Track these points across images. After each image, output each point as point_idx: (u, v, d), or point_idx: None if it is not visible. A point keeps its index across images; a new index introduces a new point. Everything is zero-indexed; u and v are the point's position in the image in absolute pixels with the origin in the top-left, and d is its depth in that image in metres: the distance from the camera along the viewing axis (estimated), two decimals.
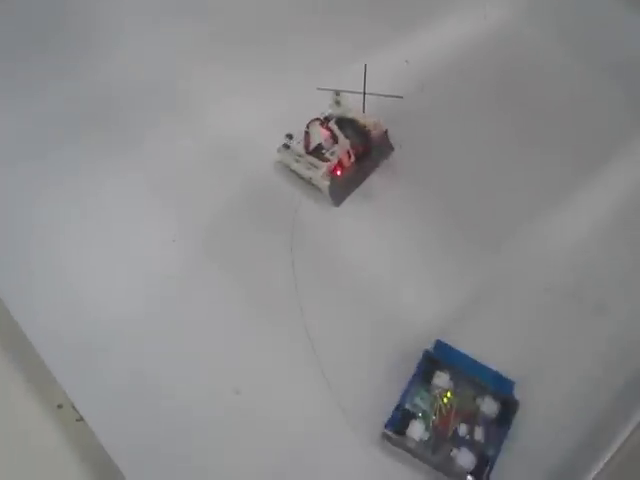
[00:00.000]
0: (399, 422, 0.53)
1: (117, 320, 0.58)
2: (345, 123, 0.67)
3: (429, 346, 0.56)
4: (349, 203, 0.66)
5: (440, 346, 0.57)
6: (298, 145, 0.66)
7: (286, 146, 0.67)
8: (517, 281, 0.62)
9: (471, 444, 0.53)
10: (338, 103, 0.68)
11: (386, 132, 0.68)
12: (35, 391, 0.55)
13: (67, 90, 0.71)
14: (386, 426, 0.53)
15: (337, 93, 0.67)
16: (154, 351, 0.57)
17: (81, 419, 0.53)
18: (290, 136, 0.67)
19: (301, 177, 0.66)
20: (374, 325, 0.59)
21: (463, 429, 0.53)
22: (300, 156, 0.66)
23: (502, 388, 0.55)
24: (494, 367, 0.56)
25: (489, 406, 0.54)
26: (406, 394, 0.54)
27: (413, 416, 0.54)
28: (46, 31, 0.77)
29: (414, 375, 0.55)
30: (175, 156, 0.67)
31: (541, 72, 0.76)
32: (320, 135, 0.66)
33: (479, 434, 0.53)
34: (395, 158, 0.69)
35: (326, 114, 0.68)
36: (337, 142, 0.65)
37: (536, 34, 0.80)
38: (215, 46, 0.75)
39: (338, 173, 0.65)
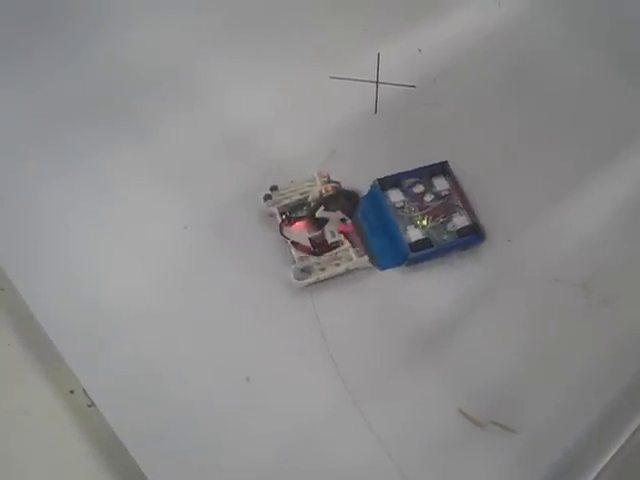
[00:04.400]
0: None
1: (129, 306, 0.58)
2: (315, 204, 0.61)
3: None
4: None
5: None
6: (301, 258, 0.60)
7: (297, 265, 0.59)
8: (526, 271, 0.62)
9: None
10: (276, 197, 0.62)
11: (328, 176, 0.63)
12: (47, 377, 0.56)
13: (82, 73, 0.71)
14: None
15: (272, 189, 0.62)
16: (165, 338, 0.57)
17: (93, 405, 0.54)
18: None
19: (337, 276, 0.60)
20: (382, 310, 0.59)
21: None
22: (318, 263, 0.60)
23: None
24: None
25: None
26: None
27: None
28: (60, 11, 0.77)
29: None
30: (188, 143, 0.67)
31: (556, 62, 0.76)
32: (301, 232, 0.61)
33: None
34: (406, 147, 0.69)
35: (277, 214, 0.62)
36: (324, 224, 0.61)
37: (551, 23, 0.79)
38: (230, 33, 0.75)
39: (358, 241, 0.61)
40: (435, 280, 0.61)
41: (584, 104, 0.73)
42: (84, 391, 0.54)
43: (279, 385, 0.56)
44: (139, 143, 0.67)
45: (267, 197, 0.62)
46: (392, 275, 0.61)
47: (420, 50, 0.75)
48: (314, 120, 0.68)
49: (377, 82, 0.67)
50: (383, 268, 0.61)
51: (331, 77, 0.68)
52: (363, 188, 0.64)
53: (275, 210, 0.62)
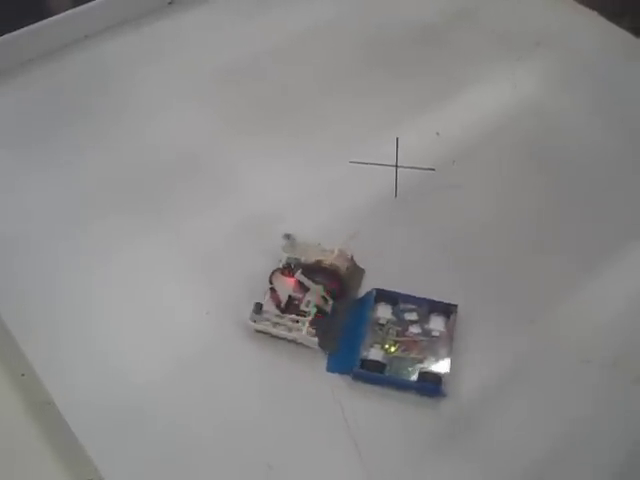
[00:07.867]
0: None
1: (150, 389, 0.58)
2: (311, 268, 0.62)
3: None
4: None
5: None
6: (268, 304, 0.61)
7: (259, 307, 0.60)
8: (553, 353, 0.61)
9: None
10: (292, 246, 0.64)
11: (352, 258, 0.64)
12: (65, 465, 0.55)
13: (109, 164, 0.74)
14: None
15: (288, 237, 0.64)
16: (186, 422, 0.57)
17: None
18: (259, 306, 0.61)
19: (284, 339, 0.60)
20: (404, 405, 0.58)
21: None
22: (278, 317, 0.60)
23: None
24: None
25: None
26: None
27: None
28: (89, 105, 0.80)
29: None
30: (209, 231, 0.69)
31: (572, 142, 0.77)
32: (287, 286, 0.62)
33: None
34: (428, 231, 0.69)
35: (283, 261, 0.63)
36: (308, 290, 0.61)
37: (566, 104, 0.80)
38: (247, 121, 0.78)
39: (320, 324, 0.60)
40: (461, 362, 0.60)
41: (601, 185, 0.73)
42: None
43: (301, 473, 0.55)
44: (163, 231, 0.69)
45: (287, 236, 0.64)
46: None
47: (438, 133, 0.76)
48: (334, 204, 0.69)
49: (396, 166, 0.68)
50: (329, 370, 0.59)
51: (351, 162, 0.69)
52: (379, 274, 0.64)
53: (284, 256, 0.63)
